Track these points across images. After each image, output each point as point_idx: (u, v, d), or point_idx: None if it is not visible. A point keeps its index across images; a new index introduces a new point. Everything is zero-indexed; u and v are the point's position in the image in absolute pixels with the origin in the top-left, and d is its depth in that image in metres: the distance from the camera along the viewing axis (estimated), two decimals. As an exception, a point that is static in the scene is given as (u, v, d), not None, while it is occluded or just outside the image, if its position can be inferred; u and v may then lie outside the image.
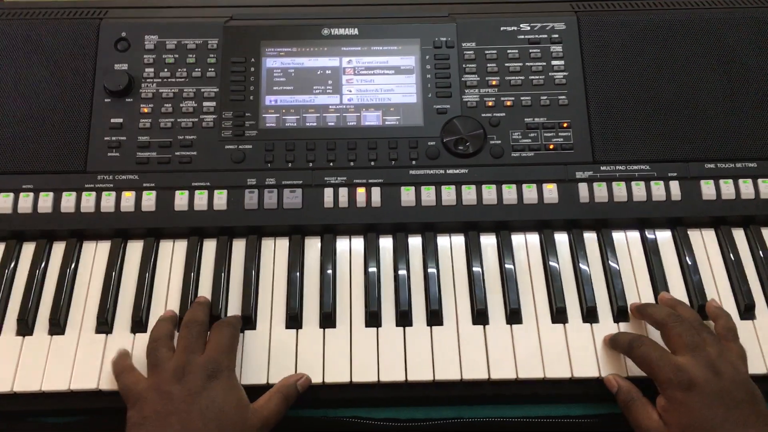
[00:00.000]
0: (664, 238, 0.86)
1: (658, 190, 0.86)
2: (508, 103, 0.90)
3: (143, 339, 0.78)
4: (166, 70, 0.90)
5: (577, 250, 0.84)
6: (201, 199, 0.85)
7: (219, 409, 0.68)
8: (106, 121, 0.88)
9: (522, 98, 0.90)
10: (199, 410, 0.68)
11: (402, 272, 0.82)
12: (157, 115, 0.88)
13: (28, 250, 0.85)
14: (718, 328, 0.76)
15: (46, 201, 0.85)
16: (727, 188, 0.86)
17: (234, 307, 0.81)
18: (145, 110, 0.89)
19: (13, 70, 0.90)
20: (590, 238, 0.86)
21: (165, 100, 0.89)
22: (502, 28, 0.93)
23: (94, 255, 0.85)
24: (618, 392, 0.74)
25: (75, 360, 0.77)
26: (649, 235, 0.86)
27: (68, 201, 0.85)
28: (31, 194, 0.85)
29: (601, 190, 0.86)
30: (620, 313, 0.80)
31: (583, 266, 0.83)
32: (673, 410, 0.69)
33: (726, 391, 0.68)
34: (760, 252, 0.85)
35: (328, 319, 0.79)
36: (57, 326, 0.79)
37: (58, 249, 0.85)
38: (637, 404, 0.72)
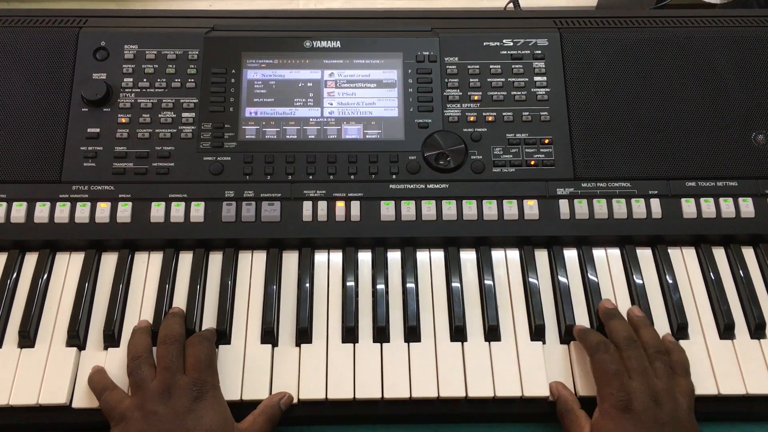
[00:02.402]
0: (644, 255, 0.86)
1: (638, 207, 0.86)
2: (490, 119, 0.89)
3: (116, 353, 0.77)
4: (145, 80, 0.89)
5: (557, 267, 0.84)
6: (178, 211, 0.84)
7: (206, 429, 0.68)
8: (82, 130, 0.87)
9: (504, 114, 0.89)
10: (185, 431, 0.67)
11: (380, 287, 0.81)
12: (135, 126, 0.87)
13: (-1, 260, 0.83)
14: (671, 363, 0.75)
15: (19, 210, 0.83)
16: (708, 207, 0.86)
17: (209, 321, 0.80)
18: (123, 120, 0.88)
19: (-11, 77, 0.88)
20: (570, 255, 0.86)
21: (143, 110, 0.88)
22: (485, 44, 0.93)
23: (67, 266, 0.83)
24: (557, 401, 0.75)
25: (45, 374, 0.76)
26: (630, 252, 0.85)
27: (42, 211, 0.83)
28: (4, 204, 0.83)
29: (581, 207, 0.86)
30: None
31: (562, 284, 0.83)
32: (604, 424, 0.69)
33: (662, 423, 0.68)
34: (740, 271, 0.84)
35: (304, 335, 0.78)
36: (27, 339, 0.78)
37: (31, 260, 0.83)
38: (571, 415, 0.73)
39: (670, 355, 0.75)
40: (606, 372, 0.72)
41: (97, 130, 0.87)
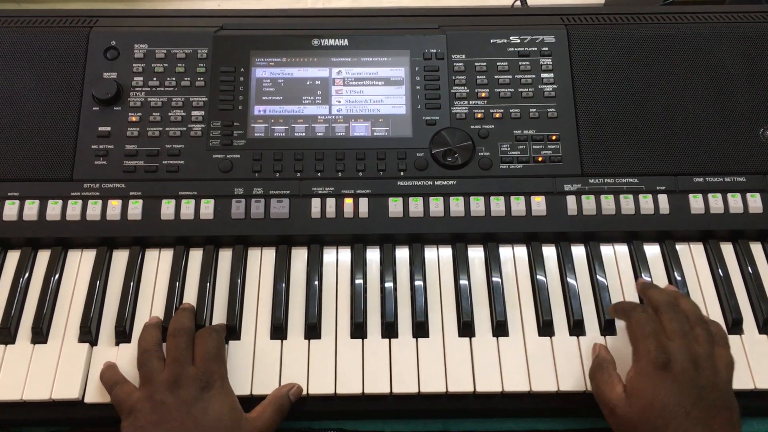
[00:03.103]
0: (652, 251, 0.86)
1: (646, 203, 0.86)
2: (497, 115, 0.90)
3: (127, 348, 0.78)
4: (155, 79, 0.90)
5: (565, 263, 0.84)
6: (188, 209, 0.85)
7: (214, 418, 0.68)
8: (93, 129, 0.88)
9: (511, 110, 0.90)
10: (193, 420, 0.68)
11: (388, 284, 0.82)
12: (145, 124, 0.88)
13: (12, 257, 0.84)
14: (711, 333, 0.72)
15: (31, 209, 0.84)
16: (716, 202, 0.86)
17: (219, 318, 0.81)
18: (133, 119, 0.88)
19: (1, 77, 0.89)
20: (578, 251, 0.86)
21: (153, 108, 0.89)
22: (492, 41, 0.93)
23: (79, 263, 0.84)
24: (594, 359, 0.74)
25: (57, 369, 0.77)
26: (637, 248, 0.85)
27: (54, 209, 0.84)
28: (17, 202, 0.84)
29: (589, 203, 0.86)
30: (607, 327, 0.80)
31: (570, 279, 0.83)
32: (639, 383, 0.67)
33: (700, 387, 0.65)
34: (749, 267, 0.84)
35: (313, 330, 0.79)
36: (40, 335, 0.78)
37: (43, 257, 0.84)
38: (604, 372, 0.71)
39: (710, 325, 0.72)
40: (642, 330, 0.69)
41: (108, 128, 0.88)
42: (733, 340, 0.79)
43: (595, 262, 0.85)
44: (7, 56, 0.90)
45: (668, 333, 0.69)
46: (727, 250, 0.86)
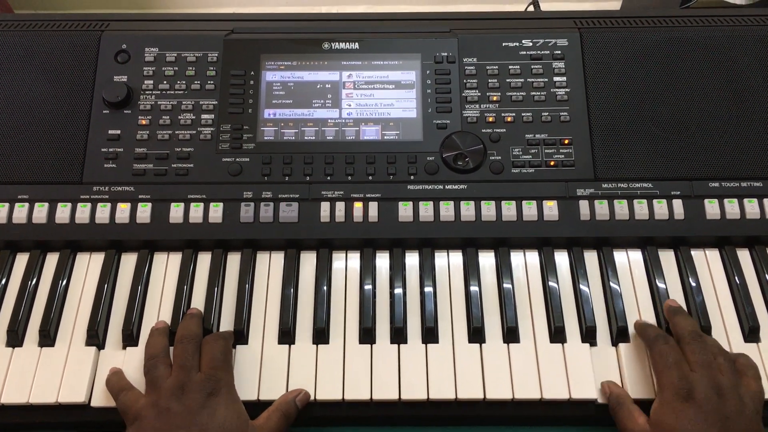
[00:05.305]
0: (666, 257, 0.84)
1: (660, 208, 0.84)
2: (509, 119, 0.89)
3: (134, 352, 0.77)
4: (165, 82, 0.90)
5: (577, 268, 0.83)
6: (196, 212, 0.84)
7: (220, 425, 0.68)
8: (103, 132, 0.88)
9: (523, 114, 0.89)
10: (199, 427, 0.67)
11: (398, 289, 0.81)
12: (155, 127, 0.88)
13: (21, 260, 0.84)
14: (737, 364, 0.73)
15: (41, 211, 0.84)
16: (732, 207, 0.85)
17: (227, 322, 0.80)
18: (143, 122, 0.88)
19: (13, 80, 0.90)
20: (591, 256, 0.85)
21: (163, 112, 0.89)
22: (503, 44, 0.92)
23: (88, 266, 0.84)
24: (609, 397, 0.74)
25: (64, 373, 0.76)
26: (651, 254, 0.84)
27: (63, 212, 0.84)
28: (27, 204, 0.84)
29: (602, 208, 0.84)
30: (620, 334, 0.78)
31: (582, 285, 0.81)
32: (663, 413, 0.68)
33: (724, 416, 0.66)
34: (766, 274, 0.83)
35: (321, 335, 0.78)
36: (47, 338, 0.78)
37: (52, 260, 0.84)
38: (624, 409, 0.72)
39: (737, 359, 0.74)
40: (665, 362, 0.71)
41: (118, 131, 0.88)
42: (749, 347, 0.78)
43: (608, 268, 0.83)
44: (20, 60, 0.91)
45: (691, 364, 0.71)
46: (744, 256, 0.85)
